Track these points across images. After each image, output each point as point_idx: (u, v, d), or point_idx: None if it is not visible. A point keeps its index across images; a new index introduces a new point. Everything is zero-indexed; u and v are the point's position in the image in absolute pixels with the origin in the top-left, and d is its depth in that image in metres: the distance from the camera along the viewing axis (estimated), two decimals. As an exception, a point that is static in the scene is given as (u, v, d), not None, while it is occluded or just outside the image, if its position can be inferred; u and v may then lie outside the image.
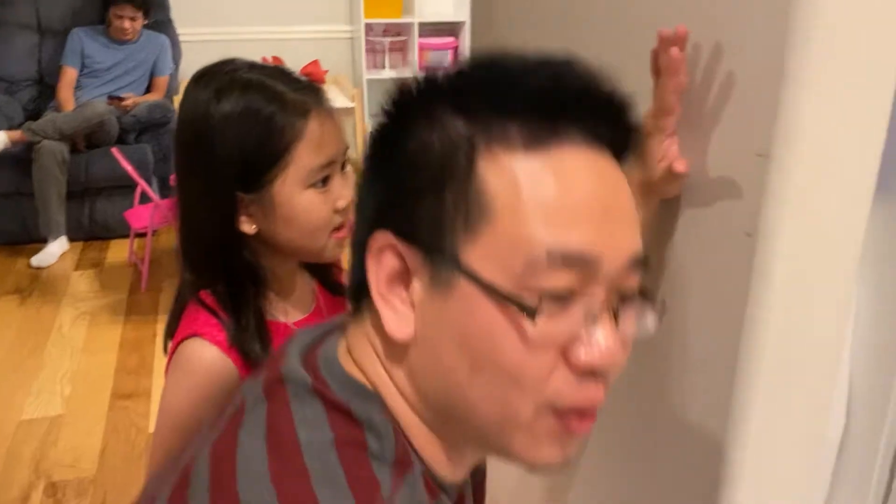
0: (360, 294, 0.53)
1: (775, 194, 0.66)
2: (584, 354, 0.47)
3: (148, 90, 3.87)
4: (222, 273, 0.86)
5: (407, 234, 0.49)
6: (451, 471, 0.54)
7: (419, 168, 0.49)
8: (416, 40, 4.35)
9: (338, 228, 0.87)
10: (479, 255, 0.46)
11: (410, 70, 4.45)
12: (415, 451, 0.51)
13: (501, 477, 1.38)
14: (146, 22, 3.80)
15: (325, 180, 0.85)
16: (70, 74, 3.72)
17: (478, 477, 0.68)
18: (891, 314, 0.81)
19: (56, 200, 3.38)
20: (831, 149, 0.65)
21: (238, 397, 0.54)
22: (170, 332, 0.90)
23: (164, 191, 3.48)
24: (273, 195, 0.83)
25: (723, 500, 0.75)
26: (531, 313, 0.45)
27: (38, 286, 3.18)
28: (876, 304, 0.82)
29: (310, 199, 0.84)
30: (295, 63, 1.16)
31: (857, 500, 0.87)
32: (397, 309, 0.49)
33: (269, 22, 4.32)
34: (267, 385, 0.52)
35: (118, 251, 3.53)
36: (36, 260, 3.33)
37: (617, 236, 0.48)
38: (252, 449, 0.47)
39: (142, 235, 3.26)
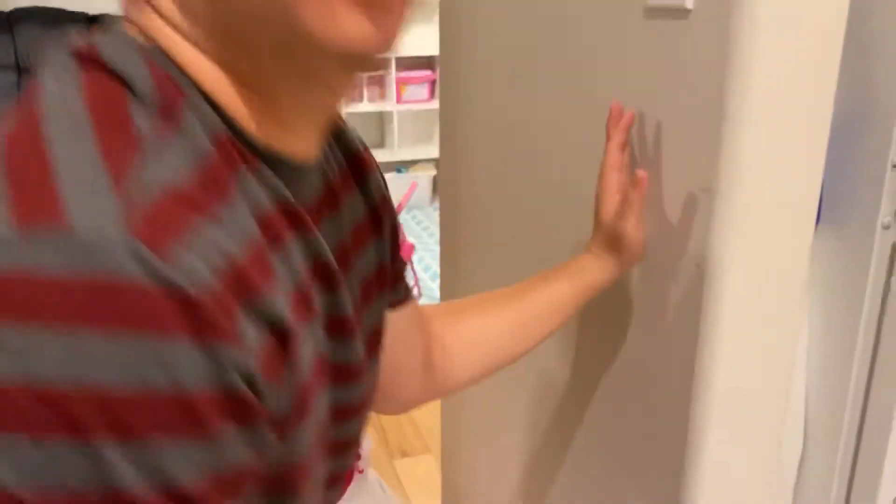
0: None
1: (721, 226, 0.69)
2: None
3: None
4: None
5: None
6: (279, 136, 0.44)
7: None
8: (393, 74, 4.41)
9: None
10: None
11: (389, 103, 4.51)
12: (213, 105, 0.41)
13: (478, 479, 1.38)
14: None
15: None
16: (49, 112, 3.73)
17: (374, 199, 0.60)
18: (841, 338, 0.84)
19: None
20: (773, 182, 0.69)
21: None
22: None
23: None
24: None
25: (684, 523, 0.77)
26: None
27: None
28: (827, 327, 0.85)
29: None
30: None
31: (818, 520, 0.90)
32: None
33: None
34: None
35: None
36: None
37: None
38: None
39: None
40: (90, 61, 0.40)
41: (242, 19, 0.40)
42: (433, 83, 4.49)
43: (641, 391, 0.82)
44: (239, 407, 0.35)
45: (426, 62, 4.50)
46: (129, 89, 0.39)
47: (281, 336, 0.39)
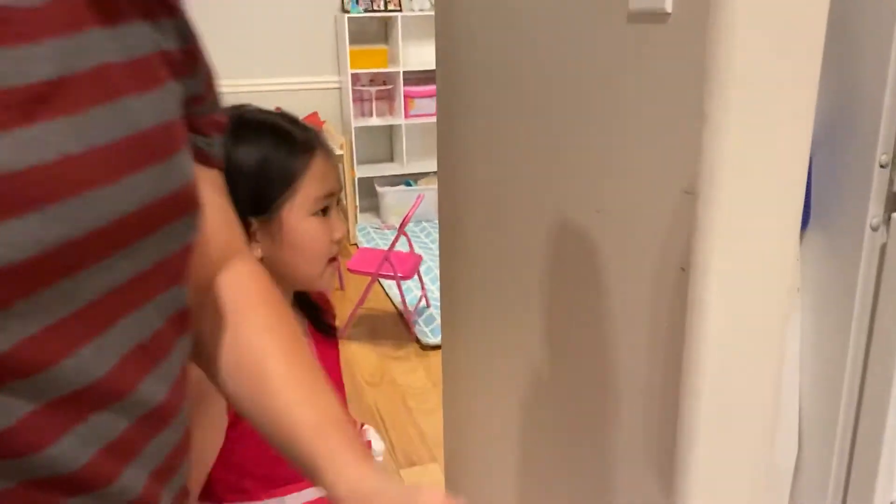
0: None
1: (704, 228, 0.69)
2: None
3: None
4: None
5: None
6: None
7: None
8: (401, 89, 4.44)
9: (333, 259, 0.97)
10: None
11: (397, 117, 4.54)
12: None
13: (480, 489, 1.37)
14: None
15: (325, 211, 0.95)
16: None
17: None
18: (833, 340, 0.84)
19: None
20: (755, 184, 0.69)
21: None
22: None
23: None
24: (281, 220, 0.92)
25: (674, 528, 0.77)
26: None
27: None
28: (819, 330, 0.85)
29: (313, 226, 0.94)
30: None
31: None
32: None
33: (258, 74, 4.41)
34: None
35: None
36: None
37: None
38: None
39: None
40: None
41: None
42: (441, 96, 4.51)
43: (628, 398, 0.82)
44: None
45: (434, 77, 4.52)
46: None
47: None
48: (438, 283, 1.47)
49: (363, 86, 4.54)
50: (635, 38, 0.74)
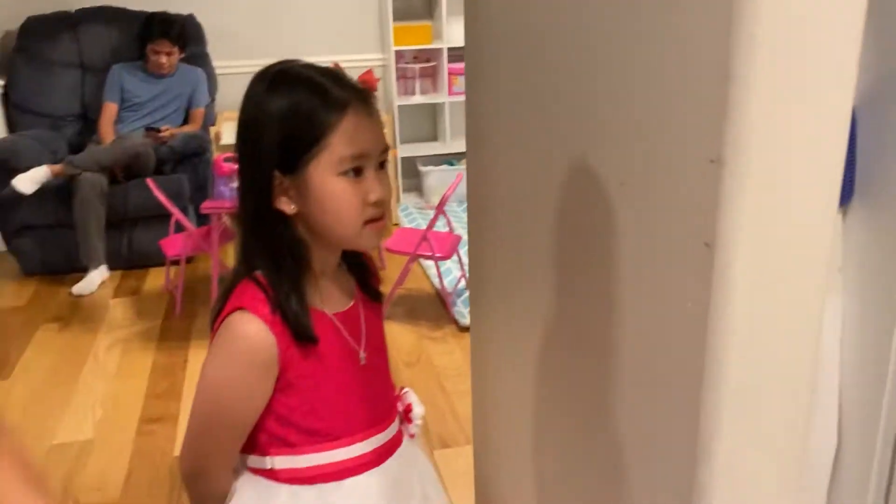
0: None
1: (731, 202, 0.63)
2: None
3: (185, 122, 3.97)
4: (268, 251, 0.93)
5: None
6: None
7: None
8: (445, 65, 4.38)
9: (374, 220, 0.92)
10: None
11: (441, 95, 4.48)
12: None
13: (507, 473, 1.34)
14: (182, 56, 3.92)
15: (357, 171, 0.90)
16: (111, 109, 3.85)
17: None
18: (877, 325, 0.76)
19: (96, 230, 3.48)
20: (788, 152, 0.62)
21: None
22: (215, 312, 0.94)
23: (200, 220, 3.55)
24: (308, 178, 0.89)
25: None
26: None
27: (77, 314, 3.26)
28: (862, 316, 0.78)
29: (341, 187, 0.90)
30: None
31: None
32: None
33: (302, 52, 4.39)
34: None
35: (155, 279, 3.60)
36: (77, 289, 3.43)
37: None
38: None
39: (177, 263, 3.33)
40: None
41: None
42: (486, 74, 4.44)
43: (647, 387, 0.77)
44: None
45: (479, 53, 4.44)
46: None
47: None
48: (475, 262, 1.43)
49: (407, 63, 4.49)
50: (659, -7, 0.68)
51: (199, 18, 4.16)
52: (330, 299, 0.98)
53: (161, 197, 3.09)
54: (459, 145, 4.55)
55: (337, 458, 0.96)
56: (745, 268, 0.64)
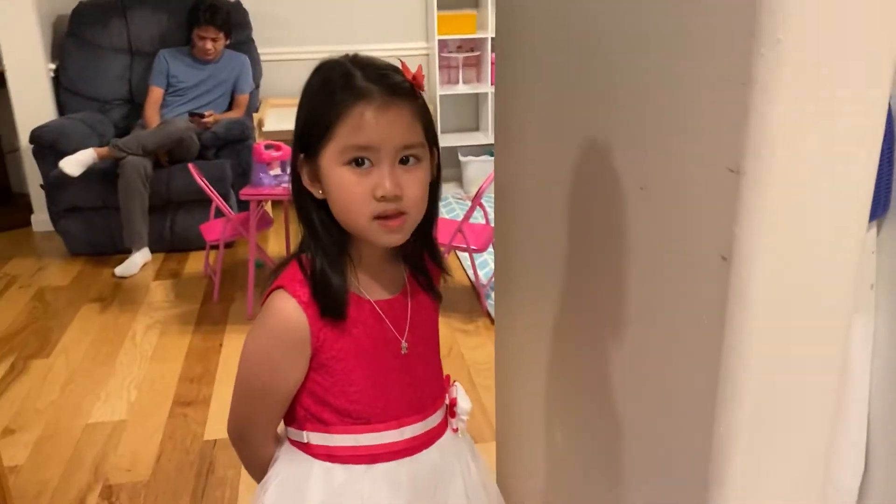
0: None
1: (750, 215, 0.59)
2: None
3: (230, 108, 4.01)
4: (308, 232, 0.95)
5: None
6: None
7: None
8: (489, 55, 4.33)
9: (385, 217, 0.89)
10: None
11: (484, 85, 4.44)
12: None
13: (529, 471, 1.32)
14: (228, 42, 3.95)
15: (361, 162, 0.88)
16: (156, 94, 3.90)
17: None
18: (910, 348, 0.72)
19: (139, 213, 3.54)
20: (813, 161, 0.58)
21: None
22: (266, 287, 0.97)
23: (241, 205, 3.58)
24: (321, 163, 0.90)
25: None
26: None
27: (118, 295, 3.33)
28: (894, 333, 0.73)
29: (344, 177, 0.89)
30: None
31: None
32: None
33: (347, 41, 4.40)
34: None
35: (196, 263, 3.65)
36: (119, 270, 3.49)
37: None
38: None
39: (216, 248, 3.37)
40: None
41: None
42: (529, 64, 4.38)
43: (662, 402, 0.73)
44: None
45: (523, 43, 4.39)
46: None
47: None
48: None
49: (450, 52, 4.46)
50: (682, -10, 0.64)
51: (246, 5, 4.20)
52: (372, 287, 0.98)
53: (201, 182, 3.13)
54: (501, 136, 4.51)
55: (367, 441, 0.97)
56: (763, 284, 0.61)
